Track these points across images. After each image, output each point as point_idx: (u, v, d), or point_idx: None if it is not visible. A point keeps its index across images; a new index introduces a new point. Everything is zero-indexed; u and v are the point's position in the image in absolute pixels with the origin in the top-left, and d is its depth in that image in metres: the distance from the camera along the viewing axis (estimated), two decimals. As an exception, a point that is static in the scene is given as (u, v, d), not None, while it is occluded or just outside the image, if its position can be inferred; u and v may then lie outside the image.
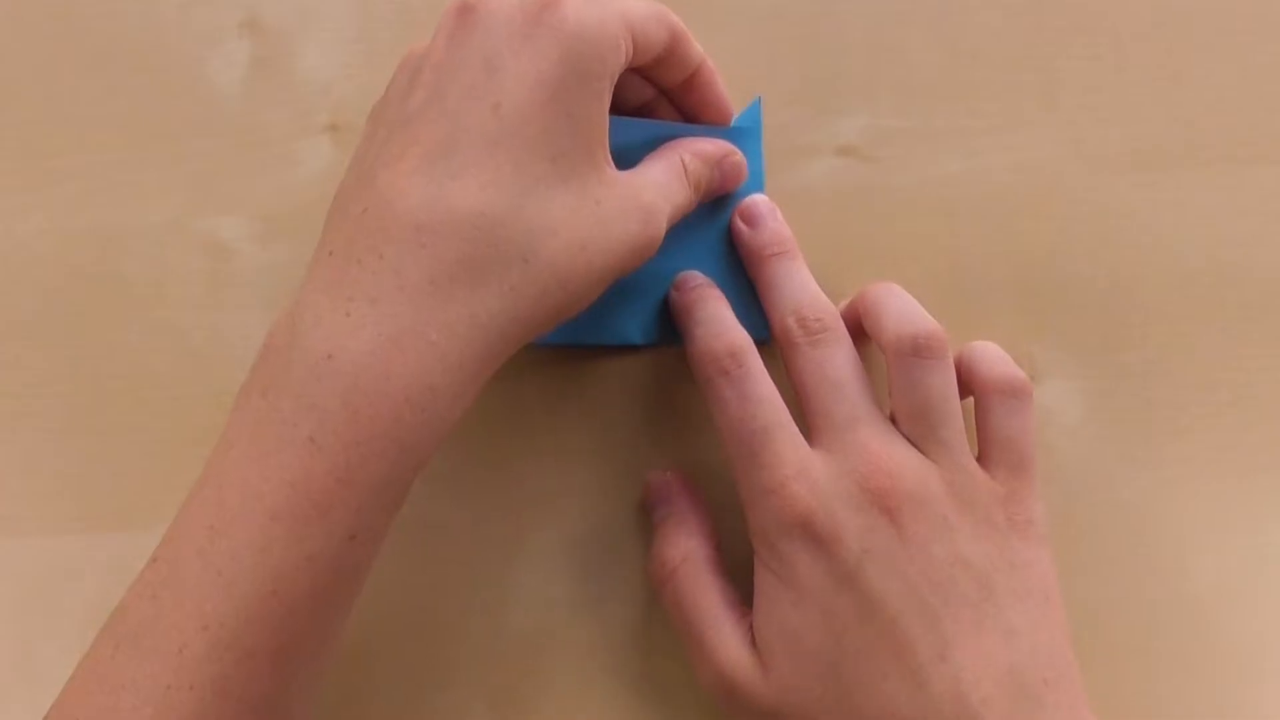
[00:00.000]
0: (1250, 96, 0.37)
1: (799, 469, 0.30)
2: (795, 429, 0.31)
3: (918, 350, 0.31)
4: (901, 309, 0.32)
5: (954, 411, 0.31)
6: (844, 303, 0.34)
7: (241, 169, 0.37)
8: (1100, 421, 0.35)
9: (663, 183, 0.31)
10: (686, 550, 0.32)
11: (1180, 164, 0.37)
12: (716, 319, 0.32)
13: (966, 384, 0.32)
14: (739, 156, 0.34)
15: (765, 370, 0.31)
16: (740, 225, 0.35)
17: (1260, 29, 0.38)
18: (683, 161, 0.32)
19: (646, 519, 0.35)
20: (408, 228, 0.26)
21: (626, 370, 0.36)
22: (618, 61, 0.29)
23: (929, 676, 0.28)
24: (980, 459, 0.31)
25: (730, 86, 0.38)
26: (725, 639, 0.31)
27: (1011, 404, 0.31)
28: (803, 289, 0.33)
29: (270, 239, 0.37)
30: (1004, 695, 0.28)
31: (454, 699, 0.34)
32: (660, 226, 0.30)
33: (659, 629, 0.34)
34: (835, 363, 0.31)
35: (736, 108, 0.37)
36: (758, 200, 0.35)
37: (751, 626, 0.31)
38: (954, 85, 0.37)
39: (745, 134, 0.36)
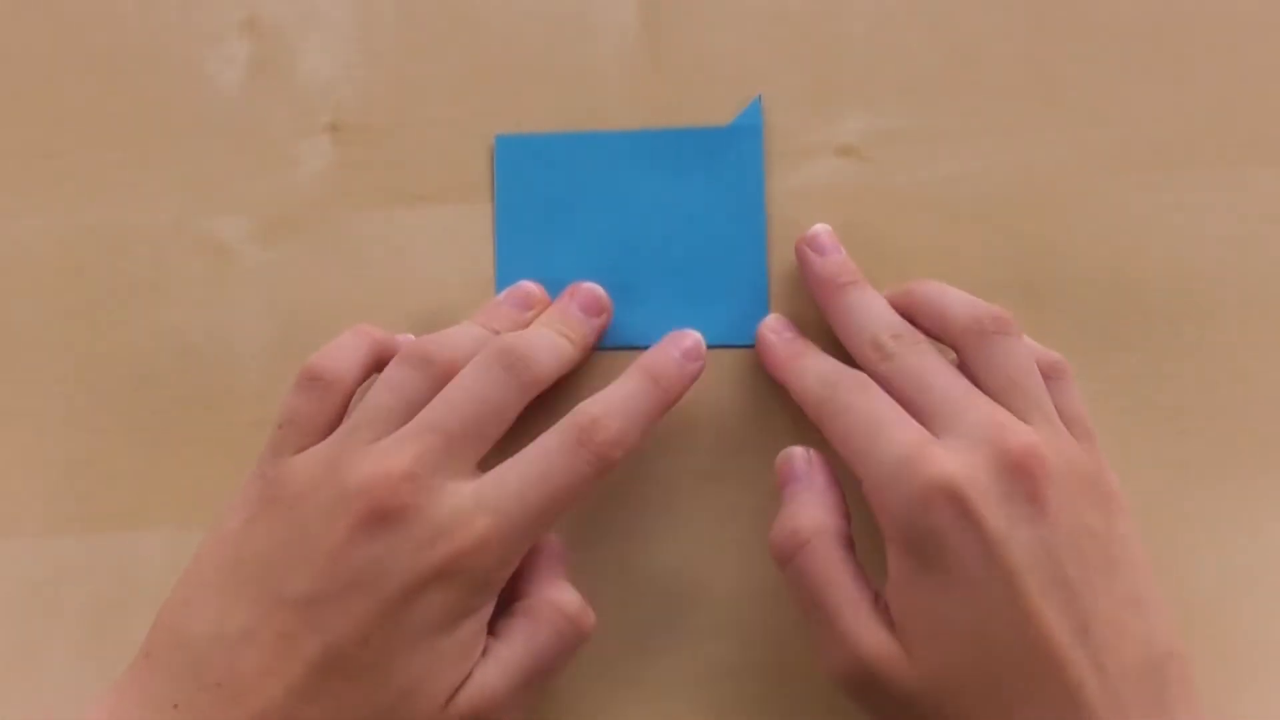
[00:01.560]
0: (1251, 98, 0.37)
1: (926, 443, 0.29)
2: (918, 424, 0.30)
3: (998, 327, 0.31)
4: (960, 297, 0.32)
5: (1042, 382, 0.31)
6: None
7: (242, 169, 0.37)
8: (1100, 422, 0.35)
9: (518, 657, 0.30)
10: (821, 523, 0.31)
11: (1181, 165, 0.37)
12: (827, 358, 0.33)
13: None
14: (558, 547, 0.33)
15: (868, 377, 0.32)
16: (809, 255, 0.35)
17: (1261, 30, 0.38)
18: (554, 604, 0.31)
19: (646, 519, 0.35)
20: None
21: (624, 368, 0.36)
22: (506, 580, 0.30)
23: (1074, 657, 0.27)
24: None
25: (731, 87, 0.38)
26: (864, 621, 0.29)
27: (1063, 383, 0.32)
28: (884, 312, 0.33)
29: (271, 239, 0.37)
30: (1137, 669, 0.28)
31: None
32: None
33: (659, 628, 0.35)
34: (933, 363, 0.31)
35: (737, 107, 0.38)
36: (821, 231, 0.35)
37: (889, 609, 0.30)
38: (954, 86, 0.37)
39: (744, 132, 0.36)
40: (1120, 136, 0.37)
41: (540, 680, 0.30)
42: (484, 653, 0.30)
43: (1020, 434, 0.29)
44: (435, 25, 0.38)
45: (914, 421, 0.30)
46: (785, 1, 0.38)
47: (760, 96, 0.37)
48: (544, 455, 0.30)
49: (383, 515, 0.28)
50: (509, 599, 0.31)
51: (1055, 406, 0.31)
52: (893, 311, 0.33)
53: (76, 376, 0.37)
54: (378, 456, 0.29)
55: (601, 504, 0.35)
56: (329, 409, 0.31)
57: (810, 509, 0.31)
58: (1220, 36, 0.38)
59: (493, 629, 0.30)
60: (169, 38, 0.38)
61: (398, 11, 0.38)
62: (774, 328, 0.35)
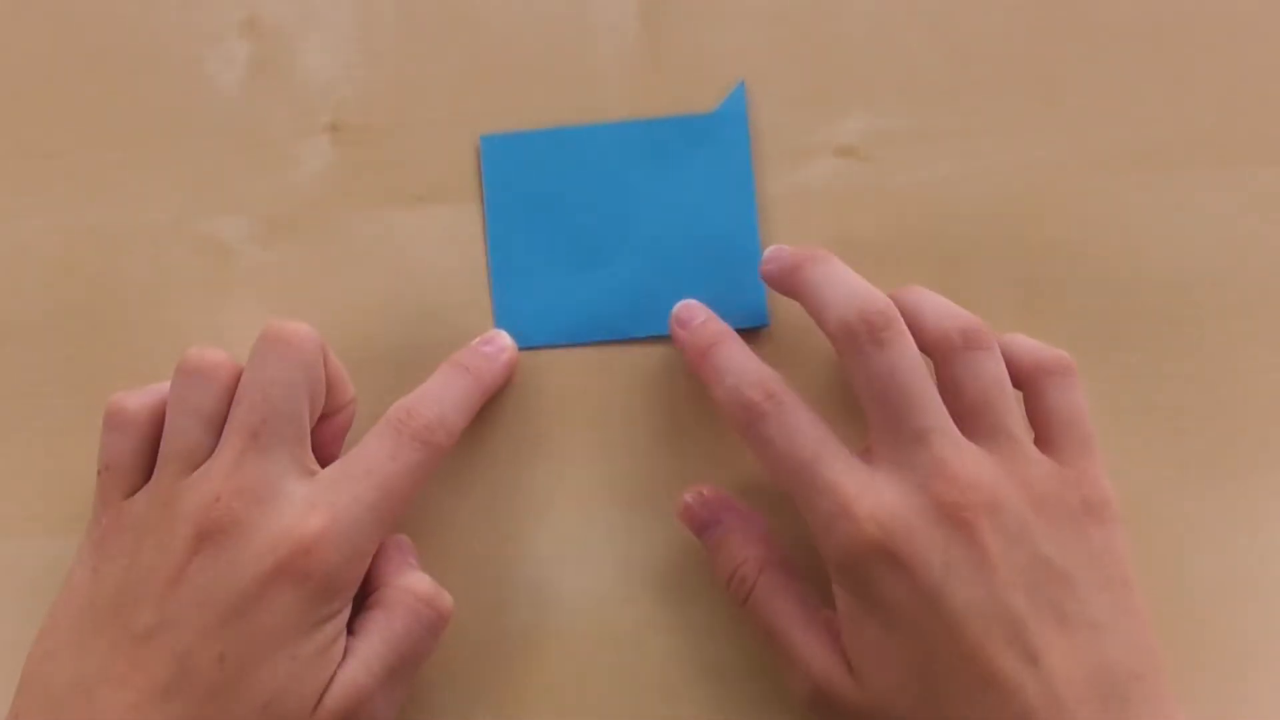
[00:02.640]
0: (1250, 97, 0.37)
1: (862, 488, 0.29)
2: (845, 450, 0.30)
3: (968, 342, 0.30)
4: (938, 306, 0.32)
5: (1013, 399, 0.30)
6: None
7: (242, 169, 0.38)
8: (1100, 421, 0.35)
9: (377, 651, 0.30)
10: (759, 560, 0.32)
11: (1180, 165, 0.37)
12: (740, 364, 0.31)
13: (1012, 375, 0.31)
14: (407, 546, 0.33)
15: (799, 398, 0.31)
16: (764, 259, 0.33)
17: (1260, 30, 0.38)
18: (409, 591, 0.31)
19: (646, 518, 0.35)
20: None
21: (624, 368, 0.36)
22: (358, 581, 0.30)
23: (1023, 683, 0.27)
24: (1040, 445, 0.31)
25: (729, 87, 0.38)
26: (815, 648, 0.30)
27: (1064, 383, 0.31)
28: (855, 284, 0.31)
29: (271, 239, 0.37)
30: (1096, 694, 0.27)
31: (455, 698, 0.34)
32: (376, 713, 0.30)
33: (659, 627, 0.35)
34: (904, 366, 0.30)
35: (744, 102, 0.38)
36: (767, 250, 0.34)
37: (837, 630, 0.30)
38: (953, 86, 0.38)
39: (729, 118, 0.36)
40: (1120, 136, 0.37)
41: (406, 669, 0.31)
42: (345, 653, 0.30)
43: (965, 476, 0.28)
44: (435, 25, 0.38)
45: (840, 454, 0.29)
46: (784, 2, 0.38)
47: (743, 83, 0.37)
48: (369, 450, 0.30)
49: (215, 532, 0.28)
50: (365, 598, 0.31)
51: (1052, 408, 0.31)
52: (866, 286, 0.31)
53: (76, 376, 0.37)
54: (199, 480, 0.29)
55: (603, 502, 0.36)
56: (141, 448, 0.31)
57: (742, 550, 0.32)
58: (1220, 36, 0.38)
59: (351, 627, 0.30)
60: (169, 38, 0.39)
61: (397, 12, 0.39)
62: (679, 318, 0.34)
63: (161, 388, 0.32)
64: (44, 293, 0.37)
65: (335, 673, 0.29)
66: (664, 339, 0.36)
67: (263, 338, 0.31)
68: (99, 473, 0.31)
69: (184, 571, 0.28)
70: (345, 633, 0.30)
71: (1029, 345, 0.32)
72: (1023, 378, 0.32)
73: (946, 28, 0.38)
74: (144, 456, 0.31)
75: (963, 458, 0.29)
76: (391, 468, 0.30)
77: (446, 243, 0.37)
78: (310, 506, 0.29)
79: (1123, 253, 0.36)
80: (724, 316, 0.35)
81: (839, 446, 0.30)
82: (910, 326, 0.31)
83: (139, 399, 0.31)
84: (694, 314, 0.34)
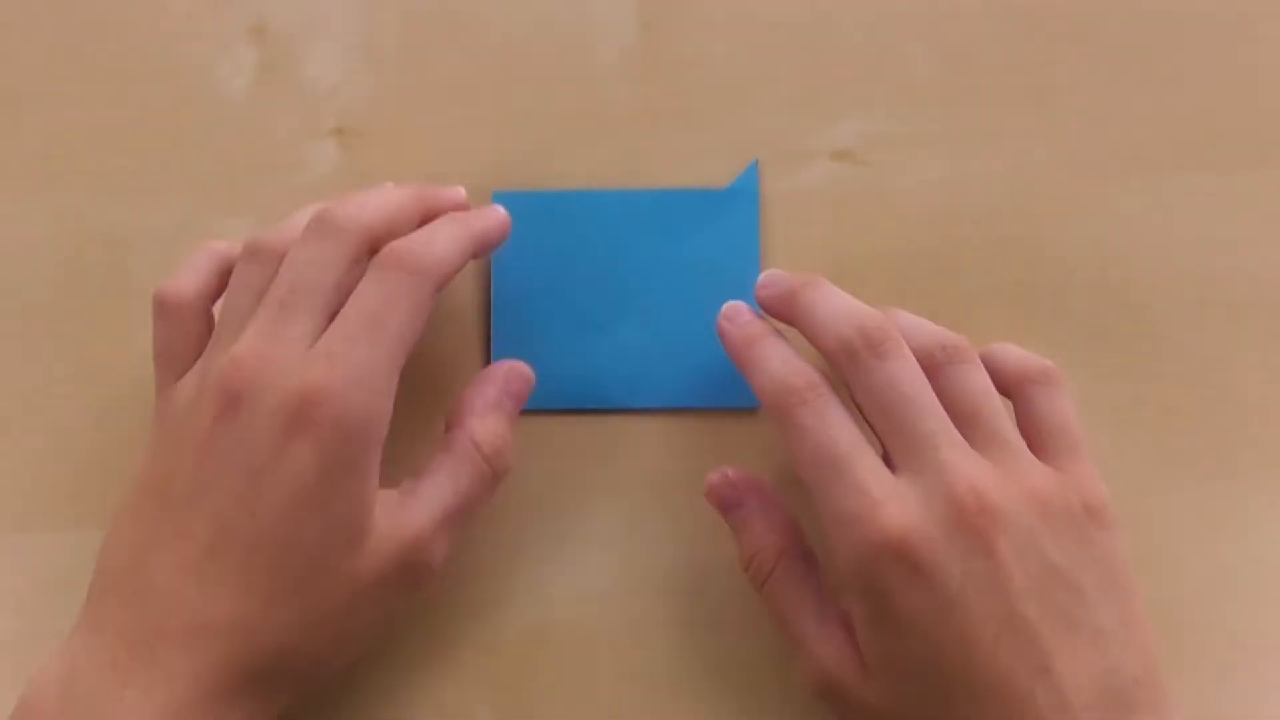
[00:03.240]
0: (1238, 103, 0.38)
1: (888, 493, 0.29)
2: (877, 456, 0.30)
3: (950, 357, 0.31)
4: (917, 325, 0.32)
5: (1002, 408, 0.31)
6: None
7: (249, 173, 0.38)
8: (1092, 421, 0.35)
9: (441, 499, 0.31)
10: (780, 546, 0.32)
11: (1170, 168, 0.37)
12: (785, 354, 0.32)
13: (998, 385, 0.31)
14: (521, 370, 0.34)
15: (839, 397, 0.31)
16: (760, 284, 0.33)
17: (1249, 36, 0.38)
18: (472, 441, 0.32)
19: (646, 518, 0.36)
20: (177, 631, 0.28)
21: (614, 431, 0.36)
22: (382, 429, 0.30)
23: (1033, 691, 0.28)
24: (1032, 452, 0.31)
25: (727, 91, 0.38)
26: (827, 641, 0.31)
27: (1051, 390, 0.31)
28: (851, 304, 0.32)
29: (276, 241, 0.37)
30: (1101, 700, 0.28)
31: (456, 696, 0.34)
32: (430, 559, 0.31)
33: (660, 626, 0.35)
34: (906, 376, 0.30)
35: (735, 111, 0.38)
36: (763, 274, 0.34)
37: (848, 618, 0.31)
38: (948, 90, 0.38)
39: (740, 196, 0.37)
40: (1111, 140, 0.37)
41: (464, 516, 0.32)
42: (408, 491, 0.31)
43: (974, 483, 0.29)
44: (438, 32, 0.39)
45: (871, 455, 0.30)
46: (782, 7, 0.38)
47: (756, 162, 0.37)
48: (366, 293, 0.30)
49: (233, 398, 0.29)
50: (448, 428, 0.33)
51: (1040, 416, 0.31)
52: (863, 306, 0.31)
53: (85, 376, 0.37)
54: (229, 349, 0.30)
55: (604, 501, 0.36)
56: (189, 331, 0.32)
57: (764, 536, 0.32)
58: (1209, 42, 0.38)
59: (421, 464, 0.32)
60: (177, 44, 0.39)
61: (401, 19, 0.39)
62: (728, 315, 0.33)
63: (199, 264, 0.33)
64: (54, 294, 0.37)
65: (397, 516, 0.30)
66: (660, 412, 0.36)
67: (317, 216, 0.31)
68: (154, 361, 0.33)
69: (210, 439, 0.29)
70: (375, 481, 0.30)
71: (1014, 354, 0.32)
72: (1010, 387, 0.32)
73: (941, 34, 0.38)
74: (193, 341, 0.32)
75: (971, 464, 0.29)
76: (394, 305, 0.30)
77: (449, 245, 0.37)
78: (313, 357, 0.29)
79: (1114, 255, 0.37)
80: (724, 393, 0.35)
81: (870, 449, 0.30)
82: None
83: (180, 284, 0.33)
84: (741, 312, 0.34)
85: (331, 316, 0.30)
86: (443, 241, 0.31)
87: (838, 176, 0.37)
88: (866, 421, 0.31)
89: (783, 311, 0.33)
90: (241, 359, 0.30)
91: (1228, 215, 0.37)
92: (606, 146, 0.38)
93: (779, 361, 0.31)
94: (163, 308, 0.33)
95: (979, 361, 0.31)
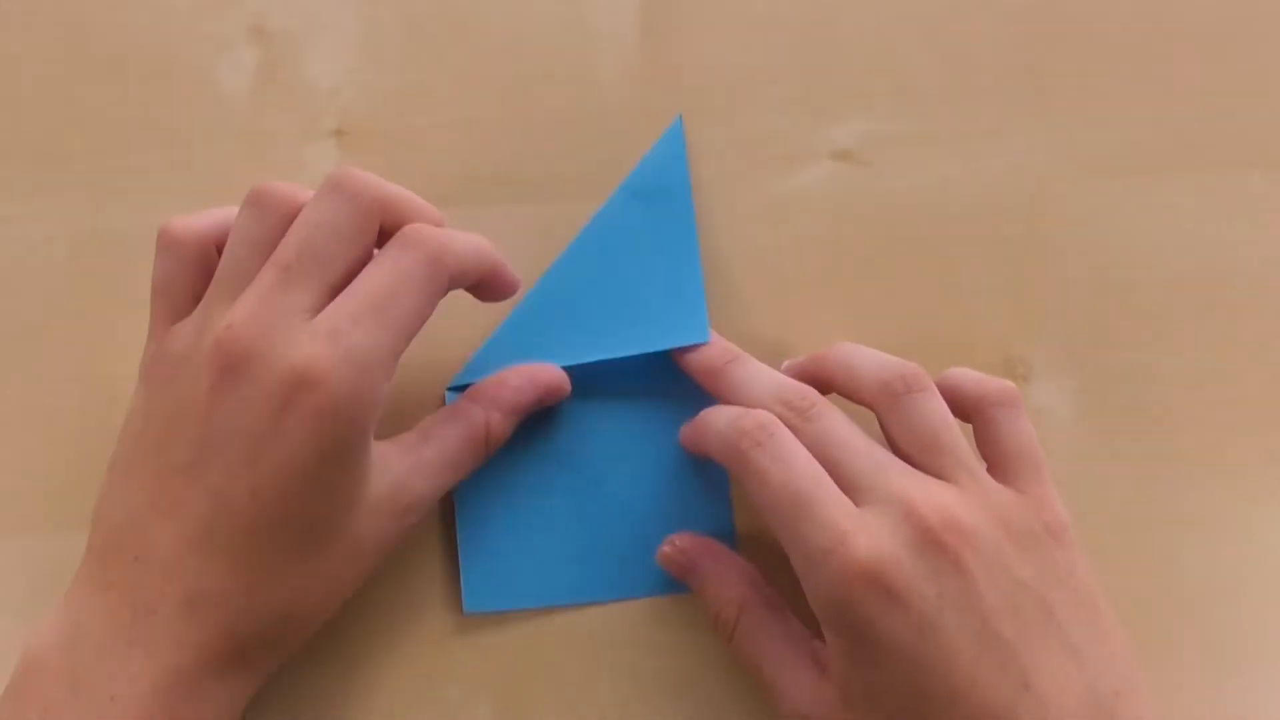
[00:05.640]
0: (1237, 102, 0.38)
1: (854, 524, 0.29)
2: (838, 489, 0.30)
3: (908, 387, 0.31)
4: (871, 358, 0.32)
5: (960, 434, 0.31)
6: (793, 366, 0.34)
7: (249, 173, 0.38)
8: (1091, 421, 0.36)
9: (440, 464, 0.32)
10: (739, 601, 0.32)
11: (1169, 168, 0.37)
12: (733, 411, 0.32)
13: (958, 409, 0.32)
14: (558, 377, 0.34)
15: (791, 434, 0.31)
16: (684, 354, 0.34)
17: (1247, 37, 0.38)
18: (487, 427, 0.33)
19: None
20: (178, 596, 0.29)
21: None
22: (377, 411, 0.30)
23: (1017, 711, 0.27)
24: (994, 474, 0.31)
25: (728, 92, 0.38)
26: (801, 686, 0.31)
27: (1010, 412, 0.31)
28: (773, 379, 0.33)
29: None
30: (1085, 714, 0.28)
31: (457, 695, 0.34)
32: (424, 510, 0.32)
33: (661, 625, 0.35)
34: (837, 429, 0.31)
35: (734, 111, 0.38)
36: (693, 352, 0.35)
37: (821, 654, 0.31)
38: (948, 91, 0.38)
39: (670, 137, 0.37)
40: (1110, 140, 0.38)
41: (453, 474, 0.32)
42: (410, 449, 0.32)
43: (937, 504, 0.29)
44: (438, 32, 0.39)
45: (833, 488, 0.30)
46: (782, 8, 0.39)
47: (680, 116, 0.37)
48: (378, 271, 0.30)
49: (231, 368, 0.29)
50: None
51: (1002, 437, 0.31)
52: (782, 377, 0.33)
53: (85, 376, 0.37)
54: (228, 309, 0.30)
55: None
56: (190, 270, 0.32)
57: (722, 593, 0.33)
58: (1208, 42, 0.38)
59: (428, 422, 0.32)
60: (178, 45, 0.39)
61: (401, 19, 0.39)
62: (690, 349, 0.35)
63: (215, 213, 0.32)
64: (54, 294, 0.37)
65: (398, 477, 0.31)
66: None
67: (328, 179, 0.30)
68: (151, 296, 0.32)
69: (209, 410, 0.29)
70: (370, 458, 0.30)
71: (972, 377, 0.32)
72: (969, 409, 0.32)
73: (941, 34, 0.38)
74: (193, 281, 0.32)
75: (927, 486, 0.29)
76: (402, 289, 0.29)
77: (449, 245, 0.37)
78: (313, 334, 0.29)
79: (1113, 254, 0.37)
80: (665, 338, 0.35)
81: (830, 481, 0.30)
82: (847, 382, 0.32)
83: (190, 222, 0.32)
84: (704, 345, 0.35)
85: (336, 287, 0.30)
86: (464, 239, 0.31)
87: (838, 176, 0.37)
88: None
89: (711, 387, 0.34)
90: (240, 327, 0.29)
91: (1228, 214, 0.37)
92: (606, 146, 0.38)
93: (725, 416, 0.32)
94: (167, 242, 0.32)
95: (935, 389, 0.31)
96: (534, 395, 0.34)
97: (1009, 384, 0.32)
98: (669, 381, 0.35)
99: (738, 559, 0.34)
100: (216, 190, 0.38)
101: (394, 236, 0.30)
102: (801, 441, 0.30)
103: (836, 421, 0.31)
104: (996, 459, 0.31)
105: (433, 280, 0.30)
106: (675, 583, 0.34)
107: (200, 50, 0.39)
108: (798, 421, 0.31)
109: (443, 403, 0.35)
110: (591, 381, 0.35)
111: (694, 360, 0.34)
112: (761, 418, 0.31)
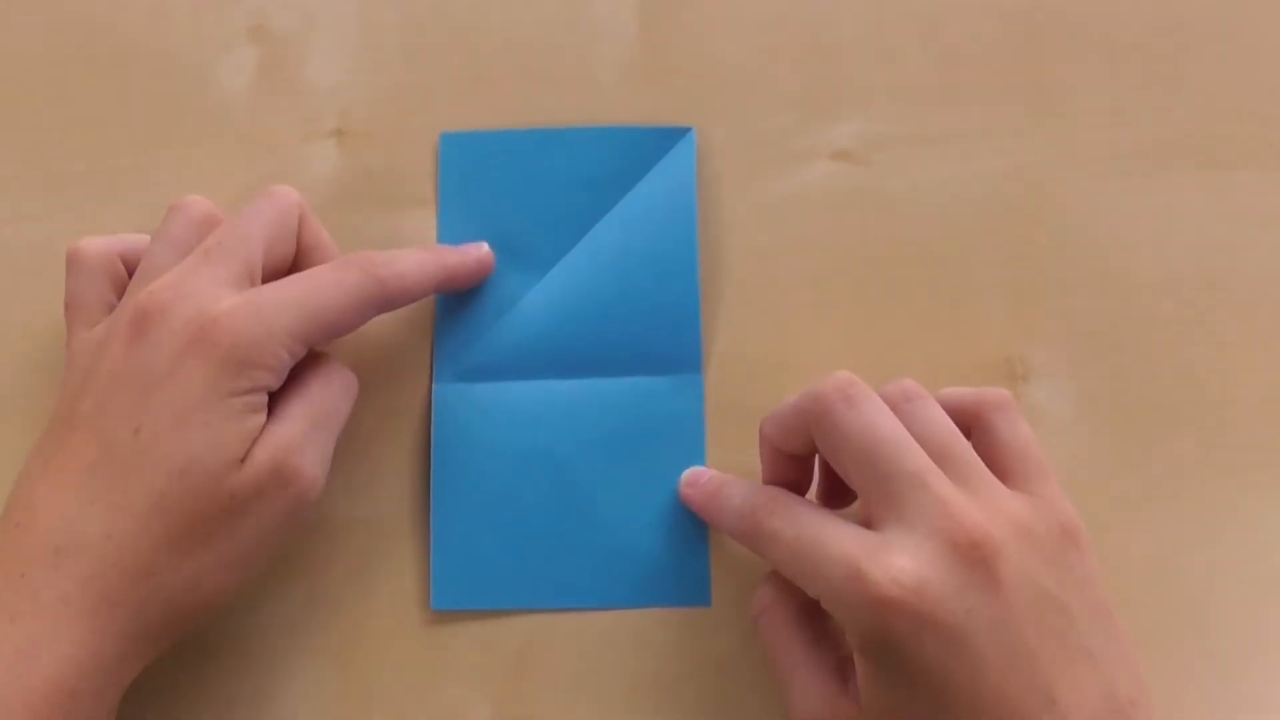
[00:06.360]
0: (1237, 103, 0.38)
1: (869, 551, 0.28)
2: (849, 523, 0.29)
3: (908, 397, 0.31)
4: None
5: (967, 442, 0.31)
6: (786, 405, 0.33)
7: (249, 173, 0.38)
8: (1091, 421, 0.36)
9: (300, 400, 0.32)
10: (777, 590, 0.32)
11: (1169, 169, 0.37)
12: (748, 486, 0.33)
13: (955, 422, 0.31)
14: (464, 260, 0.35)
15: (795, 496, 0.31)
16: (685, 482, 0.35)
17: (1248, 38, 0.38)
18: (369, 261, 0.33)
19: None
20: (46, 549, 0.29)
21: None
22: (271, 374, 0.31)
23: None
24: (999, 479, 0.31)
25: (728, 92, 0.38)
26: (817, 688, 0.30)
27: (1009, 415, 0.31)
28: (755, 485, 0.33)
29: (277, 241, 0.38)
30: None
31: (457, 694, 0.34)
32: (305, 458, 0.31)
33: (662, 626, 0.35)
34: (881, 418, 0.30)
35: (734, 110, 0.38)
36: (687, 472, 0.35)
37: (847, 665, 0.30)
38: (947, 91, 0.38)
39: (677, 133, 0.37)
40: (1110, 141, 0.38)
41: (326, 421, 0.32)
42: (269, 415, 0.31)
43: (967, 519, 0.28)
44: (437, 32, 0.39)
45: (847, 524, 0.29)
46: (782, 7, 0.39)
47: (694, 131, 0.37)
48: (314, 273, 0.32)
49: (145, 319, 0.30)
50: None
51: (1004, 441, 0.31)
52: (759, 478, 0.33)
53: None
54: (151, 284, 0.31)
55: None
56: (98, 283, 0.33)
57: (770, 578, 0.32)
58: (1209, 43, 0.38)
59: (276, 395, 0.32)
60: (178, 45, 0.39)
61: (400, 19, 0.39)
62: (689, 481, 0.35)
63: (122, 237, 0.34)
64: (54, 295, 0.37)
65: (259, 435, 0.31)
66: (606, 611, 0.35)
67: (266, 191, 0.33)
68: (64, 310, 0.34)
69: (120, 361, 0.30)
70: (263, 413, 0.31)
71: (964, 390, 0.32)
72: (969, 419, 0.32)
73: (940, 34, 0.38)
74: (102, 293, 0.33)
75: (959, 498, 0.29)
76: (327, 276, 0.32)
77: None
78: (226, 291, 0.31)
79: (1113, 255, 0.37)
80: (666, 591, 0.35)
81: (842, 520, 0.30)
82: None
83: (95, 241, 0.34)
84: (700, 474, 0.35)
85: (255, 268, 0.32)
86: (412, 268, 0.33)
87: (838, 176, 0.38)
88: (845, 474, 0.30)
89: (703, 508, 0.34)
90: (159, 290, 0.31)
91: (1228, 215, 0.37)
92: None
93: (740, 494, 0.32)
94: (74, 259, 0.34)
95: (933, 399, 0.31)
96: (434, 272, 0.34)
97: (1002, 390, 0.32)
98: (652, 363, 0.36)
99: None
100: (217, 190, 0.38)
101: (339, 259, 0.33)
102: (845, 427, 0.30)
103: (882, 409, 0.30)
104: (1001, 464, 0.31)
105: (362, 289, 0.32)
106: (651, 595, 0.34)
107: (200, 50, 0.39)
108: (841, 403, 0.30)
109: (428, 394, 0.36)
110: (579, 390, 0.35)
111: (696, 491, 0.34)
112: (775, 492, 0.31)
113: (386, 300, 0.33)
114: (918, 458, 0.29)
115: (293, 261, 0.34)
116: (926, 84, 0.38)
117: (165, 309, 0.30)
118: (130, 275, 0.33)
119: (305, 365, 0.32)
